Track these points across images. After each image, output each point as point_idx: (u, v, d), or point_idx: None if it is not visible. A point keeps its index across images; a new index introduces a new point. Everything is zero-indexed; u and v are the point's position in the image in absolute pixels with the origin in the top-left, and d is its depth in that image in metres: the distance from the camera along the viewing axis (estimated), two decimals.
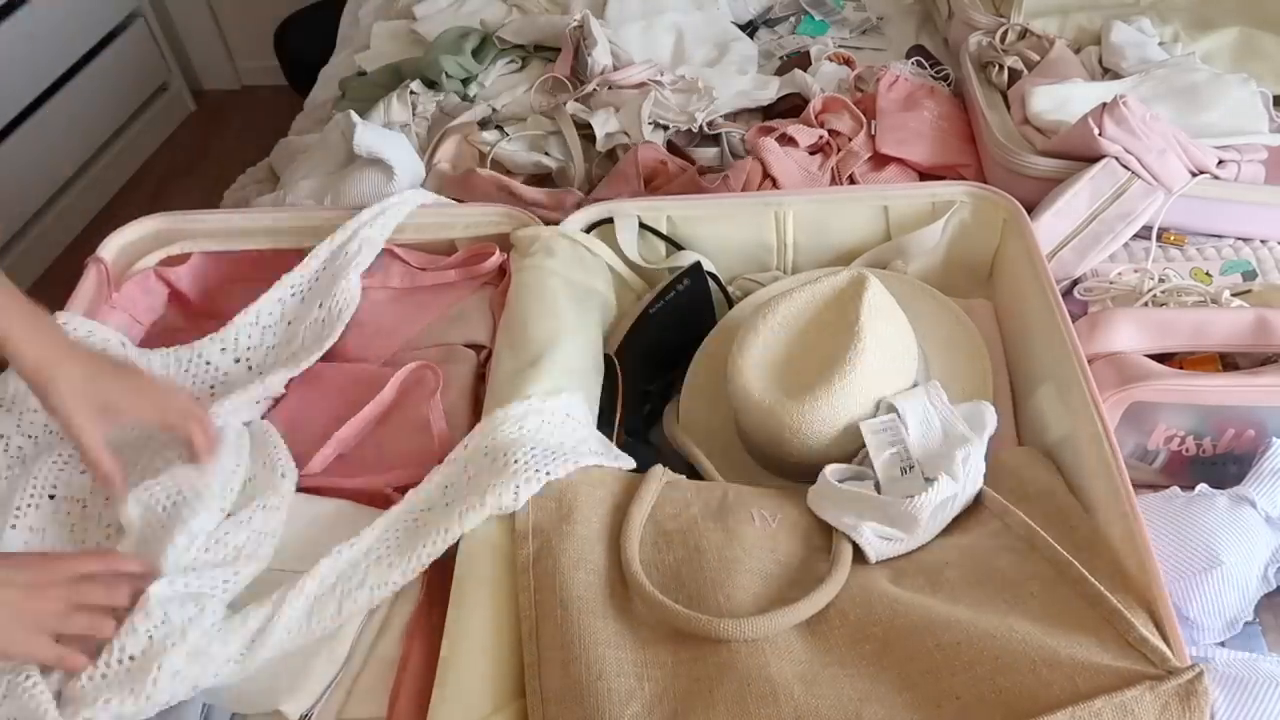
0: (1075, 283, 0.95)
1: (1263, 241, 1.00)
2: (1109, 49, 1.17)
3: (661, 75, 1.19)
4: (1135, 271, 0.91)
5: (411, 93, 1.21)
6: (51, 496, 0.72)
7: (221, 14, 2.69)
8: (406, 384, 0.79)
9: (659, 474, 0.70)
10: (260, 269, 0.97)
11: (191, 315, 0.96)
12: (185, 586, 0.63)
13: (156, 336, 0.93)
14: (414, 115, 1.19)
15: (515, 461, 0.67)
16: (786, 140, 1.10)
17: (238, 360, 0.85)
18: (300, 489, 0.74)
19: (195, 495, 0.68)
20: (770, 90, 1.23)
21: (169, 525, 0.66)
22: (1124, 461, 0.64)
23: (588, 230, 0.91)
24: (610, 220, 0.91)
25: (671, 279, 0.87)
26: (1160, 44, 1.18)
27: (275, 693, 0.63)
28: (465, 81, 1.26)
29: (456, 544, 0.67)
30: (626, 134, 1.11)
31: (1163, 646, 0.54)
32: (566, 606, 0.60)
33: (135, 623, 0.61)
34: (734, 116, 1.22)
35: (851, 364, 0.71)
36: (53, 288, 2.21)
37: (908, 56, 1.31)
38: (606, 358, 0.84)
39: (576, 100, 1.15)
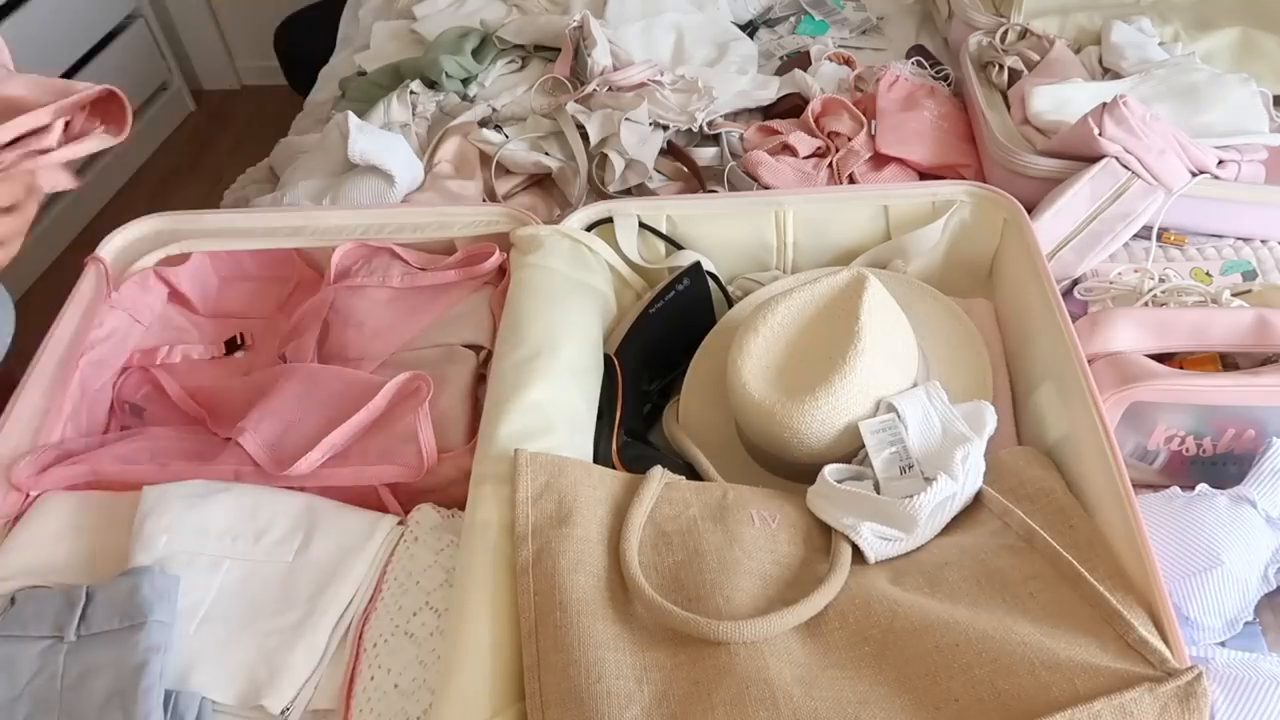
0: (1075, 283, 0.95)
1: (1263, 241, 1.00)
2: (1109, 49, 1.17)
3: (661, 75, 1.19)
4: (1135, 271, 0.91)
5: (411, 93, 1.21)
6: None
7: (221, 14, 2.69)
8: (398, 395, 0.79)
9: (658, 475, 0.70)
10: (260, 268, 0.97)
11: (191, 314, 0.96)
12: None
13: (156, 336, 0.93)
14: (414, 115, 1.19)
15: None
16: (785, 149, 1.10)
17: None
18: (288, 486, 0.74)
19: None
20: (770, 90, 1.23)
21: None
22: (1124, 461, 0.64)
23: (588, 229, 0.91)
24: (610, 220, 0.91)
25: (671, 279, 0.87)
26: (1160, 44, 1.18)
27: (256, 685, 0.64)
28: (465, 81, 1.26)
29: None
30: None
31: (1162, 648, 0.54)
32: (566, 609, 0.60)
33: None
34: (734, 116, 1.22)
35: (851, 364, 0.71)
36: (53, 287, 2.22)
37: (908, 56, 1.31)
38: (606, 358, 0.84)
39: (576, 101, 1.15)
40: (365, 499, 0.75)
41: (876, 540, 0.65)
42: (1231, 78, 1.07)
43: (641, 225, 0.92)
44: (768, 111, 1.25)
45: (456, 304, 0.89)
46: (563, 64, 1.21)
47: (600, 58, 1.17)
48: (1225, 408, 0.74)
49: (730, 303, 0.92)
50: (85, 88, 0.66)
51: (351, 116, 1.07)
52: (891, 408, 0.72)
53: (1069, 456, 0.70)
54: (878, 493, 0.68)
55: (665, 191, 1.12)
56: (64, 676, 0.63)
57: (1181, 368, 0.79)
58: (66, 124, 0.67)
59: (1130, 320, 0.80)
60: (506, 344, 0.79)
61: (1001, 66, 1.15)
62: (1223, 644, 0.68)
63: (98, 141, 0.67)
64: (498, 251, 0.90)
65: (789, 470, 0.78)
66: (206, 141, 2.67)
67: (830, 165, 1.10)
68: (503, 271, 0.91)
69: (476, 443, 0.73)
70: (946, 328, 0.84)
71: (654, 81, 1.17)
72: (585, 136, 1.11)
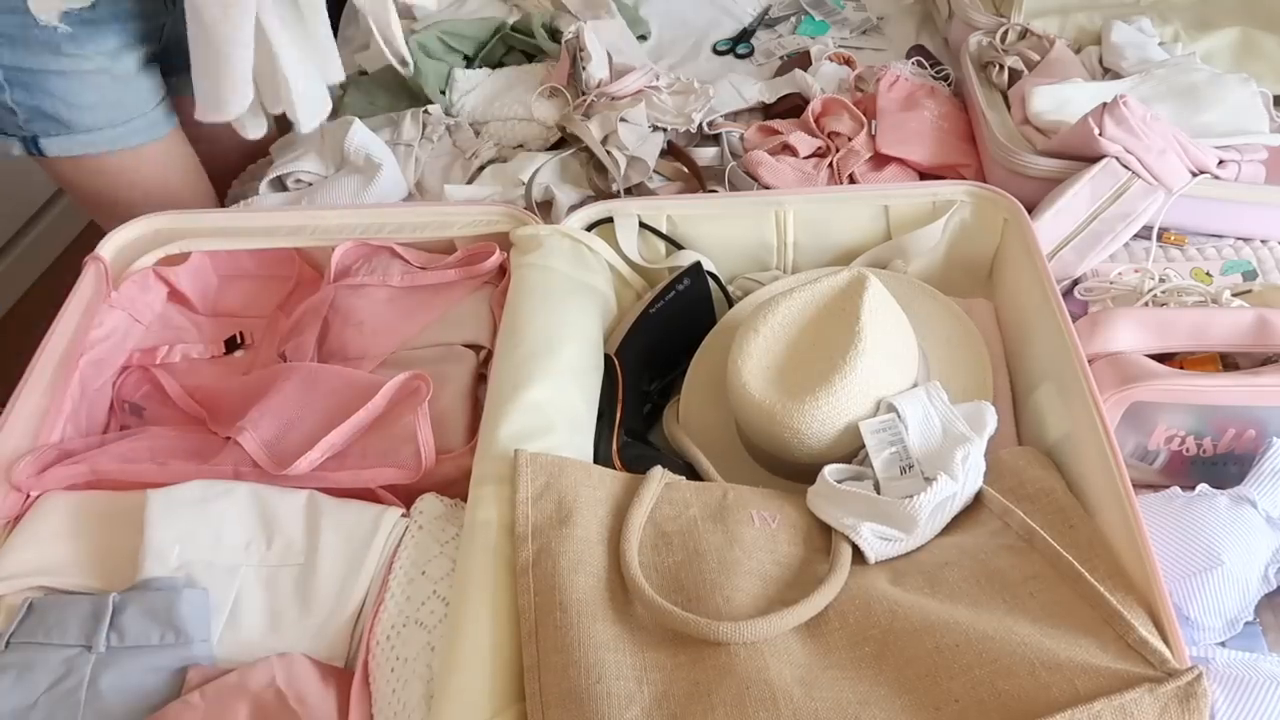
0: (1075, 283, 0.95)
1: (1263, 241, 1.00)
2: (1109, 49, 1.17)
3: (658, 80, 1.19)
4: (1135, 271, 0.91)
5: (425, 113, 1.20)
6: None
7: None
8: (398, 395, 0.79)
9: (658, 475, 0.70)
10: (260, 267, 0.97)
11: (191, 314, 0.96)
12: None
13: (156, 335, 0.93)
14: (422, 135, 1.19)
15: None
16: (785, 149, 1.10)
17: None
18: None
19: None
20: (768, 89, 1.23)
21: None
22: (1124, 461, 0.64)
23: (588, 229, 0.91)
24: (610, 219, 0.91)
25: (671, 279, 0.87)
26: (1160, 44, 1.18)
27: None
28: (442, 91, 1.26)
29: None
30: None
31: (1162, 648, 0.54)
32: (566, 609, 0.60)
33: None
34: (734, 116, 1.22)
35: (851, 364, 0.71)
36: (53, 287, 2.21)
37: (908, 56, 1.31)
38: (606, 358, 0.84)
39: (575, 110, 1.15)
40: (364, 496, 0.75)
41: (876, 540, 0.65)
42: (1231, 78, 1.07)
43: (642, 225, 0.92)
44: (768, 111, 1.25)
45: (456, 303, 0.89)
46: (560, 73, 1.21)
47: (596, 70, 1.17)
48: (1225, 408, 0.74)
49: (730, 303, 0.92)
50: None
51: (357, 122, 1.08)
52: (891, 408, 0.72)
53: (1069, 456, 0.70)
54: (878, 493, 0.68)
55: (665, 191, 1.12)
56: (89, 686, 0.63)
57: (1182, 368, 0.79)
58: None
59: (1130, 320, 0.80)
60: (506, 344, 0.79)
61: (1001, 66, 1.15)
62: (1223, 644, 0.68)
63: None
64: (498, 251, 0.90)
65: (789, 470, 0.77)
66: None
67: (830, 165, 1.09)
68: (503, 271, 0.91)
69: (476, 443, 0.73)
70: (946, 328, 0.84)
71: (651, 87, 1.17)
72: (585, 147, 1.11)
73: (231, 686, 0.63)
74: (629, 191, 1.09)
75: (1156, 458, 0.78)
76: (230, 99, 0.93)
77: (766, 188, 1.06)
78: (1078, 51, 1.20)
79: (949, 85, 1.25)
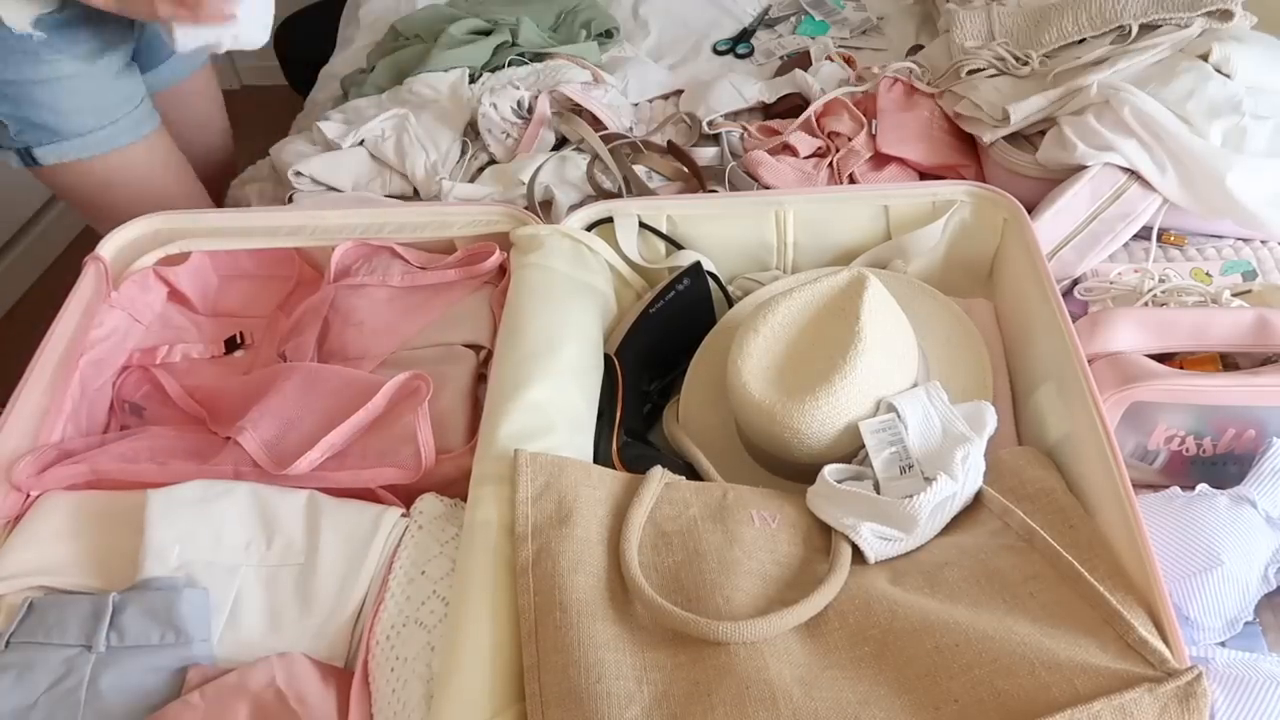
0: (1075, 283, 0.95)
1: (1263, 242, 1.00)
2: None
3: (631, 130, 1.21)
4: (1135, 271, 0.91)
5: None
6: None
7: None
8: (398, 395, 0.79)
9: (658, 475, 0.70)
10: (260, 267, 0.97)
11: (191, 313, 0.96)
12: None
13: (156, 335, 0.93)
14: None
15: None
16: (785, 149, 1.10)
17: None
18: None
19: None
20: (768, 89, 1.23)
21: None
22: (1124, 461, 0.64)
23: (588, 229, 0.91)
24: (610, 219, 0.91)
25: (671, 279, 0.87)
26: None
27: None
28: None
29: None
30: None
31: (1162, 648, 0.54)
32: (566, 609, 0.60)
33: None
34: (734, 116, 1.22)
35: (851, 364, 0.71)
36: (52, 287, 2.21)
37: (908, 56, 1.31)
38: (606, 358, 0.84)
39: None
40: (365, 496, 0.75)
41: (876, 540, 0.65)
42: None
43: (641, 225, 0.92)
44: (768, 111, 1.25)
45: (456, 303, 0.89)
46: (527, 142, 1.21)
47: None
48: (1225, 408, 0.74)
49: (730, 303, 0.92)
50: None
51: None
52: (891, 408, 0.72)
53: (1069, 456, 0.70)
54: (878, 493, 0.68)
55: (665, 191, 1.12)
56: (89, 686, 0.63)
57: (1181, 368, 0.79)
58: None
59: (1130, 320, 0.80)
60: (507, 344, 0.79)
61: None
62: (1223, 644, 0.68)
63: None
64: (498, 251, 0.90)
65: (789, 470, 0.77)
66: None
67: (830, 165, 1.10)
68: (503, 271, 0.91)
69: (476, 443, 0.73)
70: (946, 328, 0.84)
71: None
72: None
73: (231, 686, 0.63)
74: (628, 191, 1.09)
75: (1156, 458, 0.78)
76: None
77: (766, 188, 1.06)
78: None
79: None
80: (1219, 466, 0.77)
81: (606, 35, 1.44)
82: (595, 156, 1.10)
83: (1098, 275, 0.94)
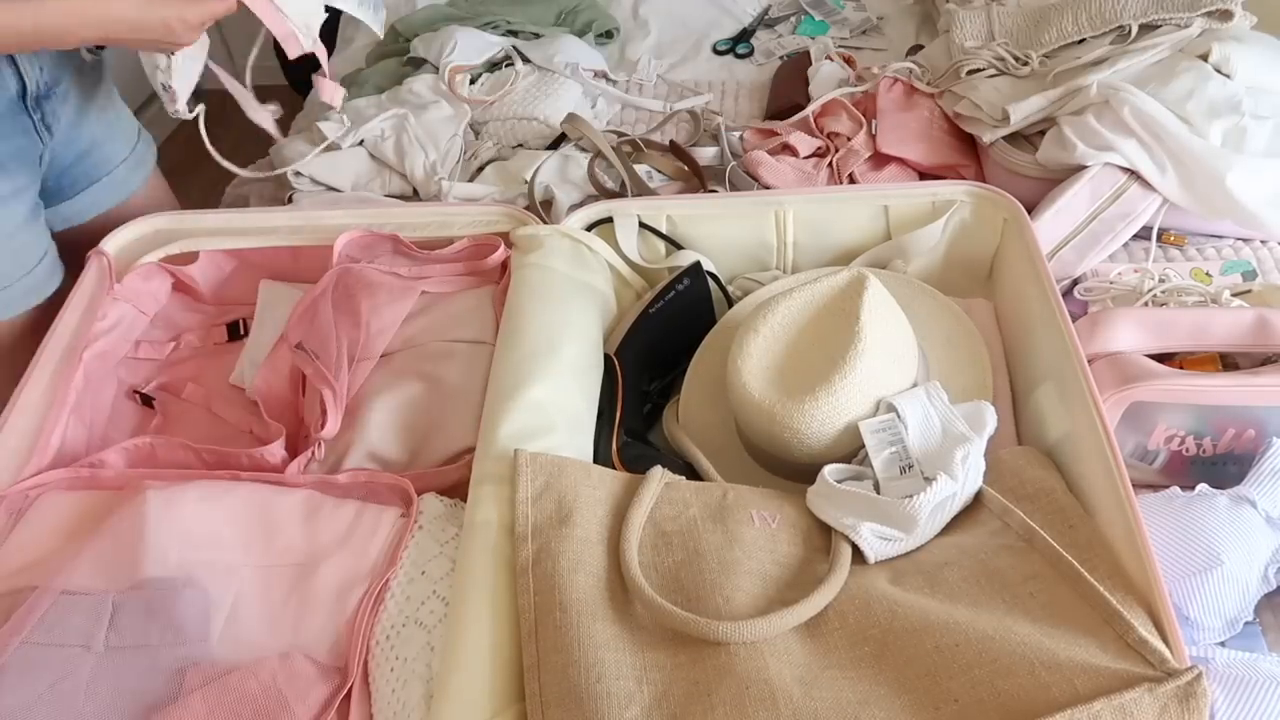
0: (1075, 282, 0.95)
1: (1263, 242, 1.00)
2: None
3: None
4: (1135, 271, 0.91)
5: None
6: None
7: None
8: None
9: (658, 475, 0.70)
10: (269, 262, 0.97)
11: (194, 302, 0.96)
12: None
13: (160, 325, 0.93)
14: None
15: None
16: (785, 149, 1.10)
17: None
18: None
19: None
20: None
21: None
22: (1124, 461, 0.64)
23: (588, 229, 0.91)
24: (610, 219, 0.91)
25: (671, 279, 0.87)
26: None
27: None
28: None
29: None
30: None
31: (1162, 648, 0.54)
32: (566, 609, 0.60)
33: None
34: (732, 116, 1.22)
35: (851, 364, 0.71)
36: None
37: (908, 56, 1.31)
38: (606, 358, 0.84)
39: None
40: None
41: (876, 540, 0.65)
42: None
43: (641, 225, 0.92)
44: (767, 111, 1.25)
45: (458, 302, 0.89)
46: None
47: None
48: (1225, 408, 0.74)
49: (730, 303, 0.92)
50: None
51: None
52: (891, 408, 0.72)
53: (1069, 456, 0.70)
54: (878, 493, 0.68)
55: (665, 191, 1.12)
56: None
57: (1181, 368, 0.79)
58: None
59: (1130, 320, 0.80)
60: (507, 343, 0.79)
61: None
62: (1223, 644, 0.68)
63: None
64: (502, 246, 0.90)
65: (789, 470, 0.77)
66: None
67: (830, 165, 1.10)
68: (504, 268, 0.91)
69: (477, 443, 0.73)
70: (946, 328, 0.84)
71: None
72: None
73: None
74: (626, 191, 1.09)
75: (1156, 458, 0.78)
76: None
77: (767, 188, 1.06)
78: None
79: None
80: (1219, 466, 0.77)
81: (607, 35, 1.44)
82: (596, 154, 1.09)
83: (1098, 275, 0.94)
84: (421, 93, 1.24)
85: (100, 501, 0.74)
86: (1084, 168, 0.97)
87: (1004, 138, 1.05)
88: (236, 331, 0.94)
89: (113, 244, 0.92)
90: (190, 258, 0.93)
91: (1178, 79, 0.97)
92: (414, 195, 1.14)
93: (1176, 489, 0.74)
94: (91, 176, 1.05)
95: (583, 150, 1.15)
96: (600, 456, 0.76)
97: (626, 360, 0.84)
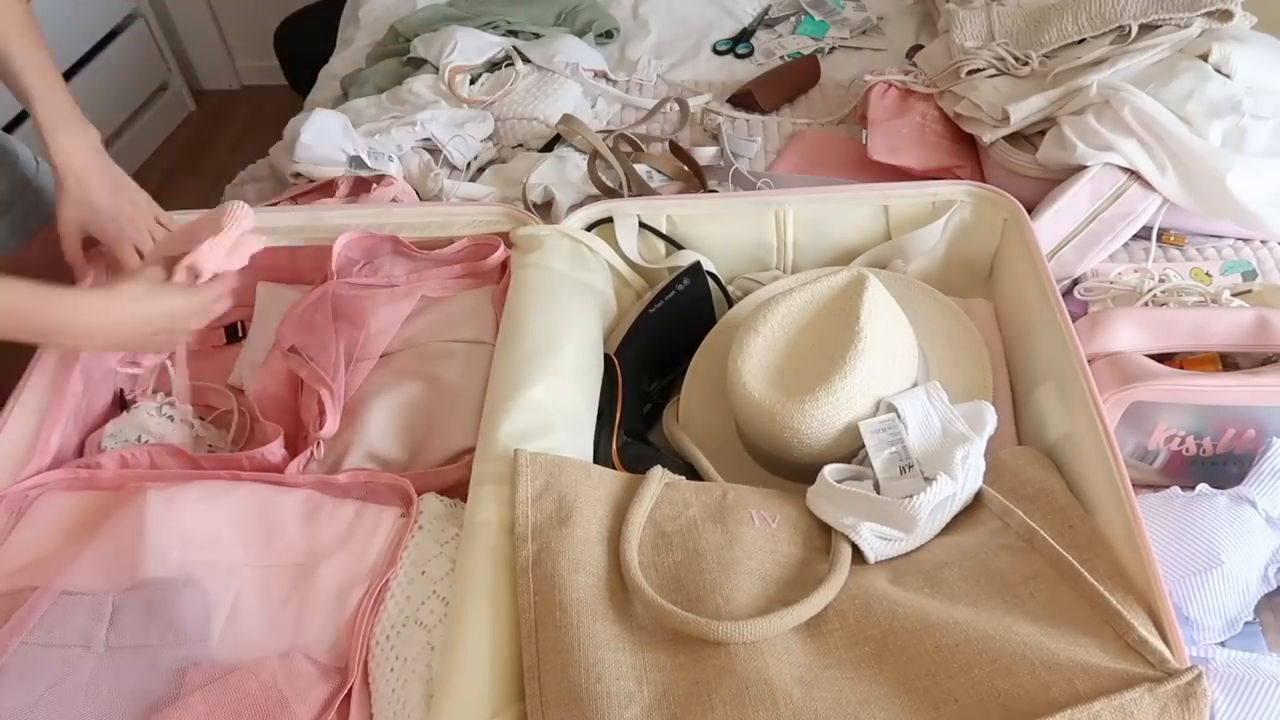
0: (1075, 282, 0.95)
1: (1263, 242, 1.00)
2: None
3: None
4: (1135, 271, 0.91)
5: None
6: None
7: (221, 14, 2.69)
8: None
9: (658, 475, 0.70)
10: (268, 263, 0.96)
11: None
12: None
13: None
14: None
15: None
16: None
17: None
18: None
19: None
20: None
21: None
22: (1124, 461, 0.64)
23: (588, 229, 0.91)
24: (610, 219, 0.91)
25: (671, 279, 0.87)
26: None
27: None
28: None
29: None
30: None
31: (1162, 648, 0.54)
32: (566, 609, 0.60)
33: None
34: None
35: (851, 364, 0.71)
36: None
37: (908, 56, 1.31)
38: (606, 358, 0.84)
39: None
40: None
41: (876, 540, 0.65)
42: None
43: (641, 225, 0.92)
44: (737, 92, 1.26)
45: (458, 301, 0.89)
46: None
47: None
48: (1225, 408, 0.74)
49: (730, 303, 0.92)
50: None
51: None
52: (891, 408, 0.72)
53: (1069, 456, 0.70)
54: (878, 493, 0.68)
55: (665, 191, 1.12)
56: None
57: (1181, 368, 0.79)
58: None
59: (1130, 320, 0.80)
60: (507, 343, 0.79)
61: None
62: (1223, 644, 0.68)
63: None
64: (502, 246, 0.90)
65: (789, 470, 0.77)
66: (206, 141, 2.67)
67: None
68: (504, 268, 0.91)
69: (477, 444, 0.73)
70: (946, 328, 0.84)
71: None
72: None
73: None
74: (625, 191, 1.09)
75: (1156, 458, 0.78)
76: None
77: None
78: None
79: None
80: (1219, 466, 0.77)
81: (607, 35, 1.44)
82: (595, 154, 1.09)
83: (1098, 275, 0.94)
84: (421, 93, 1.24)
85: (100, 502, 0.74)
86: (1084, 168, 0.97)
87: (1004, 138, 1.05)
88: (234, 333, 0.94)
89: None
90: None
91: (1178, 79, 0.97)
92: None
93: (1176, 489, 0.74)
94: None
95: (579, 151, 1.15)
96: (600, 456, 0.76)
97: (626, 360, 0.84)
